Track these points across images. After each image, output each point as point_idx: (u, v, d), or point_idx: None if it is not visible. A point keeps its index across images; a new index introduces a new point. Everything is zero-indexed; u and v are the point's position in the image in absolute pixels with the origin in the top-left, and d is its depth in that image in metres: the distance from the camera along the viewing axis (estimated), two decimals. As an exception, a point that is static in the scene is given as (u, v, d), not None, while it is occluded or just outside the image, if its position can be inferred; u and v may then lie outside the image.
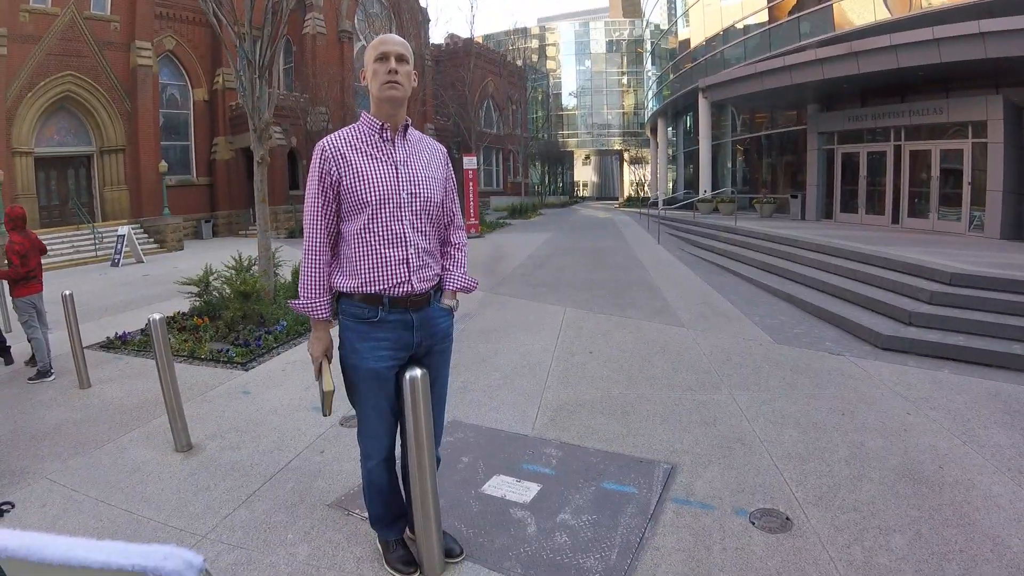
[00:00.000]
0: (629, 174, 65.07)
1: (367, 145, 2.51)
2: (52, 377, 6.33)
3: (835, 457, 3.96)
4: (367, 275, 2.49)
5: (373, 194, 2.45)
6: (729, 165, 27.49)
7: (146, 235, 22.80)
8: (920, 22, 14.41)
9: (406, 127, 2.58)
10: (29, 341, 6.50)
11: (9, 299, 6.73)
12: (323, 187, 2.49)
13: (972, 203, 14.23)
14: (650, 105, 43.08)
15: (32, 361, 6.63)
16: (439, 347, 2.72)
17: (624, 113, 68.12)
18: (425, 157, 2.63)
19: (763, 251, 12.63)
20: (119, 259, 18.42)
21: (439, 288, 2.71)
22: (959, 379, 5.54)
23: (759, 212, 20.85)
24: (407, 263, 2.51)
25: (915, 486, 3.53)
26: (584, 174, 73.83)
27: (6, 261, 6.50)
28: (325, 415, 2.68)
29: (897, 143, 16.25)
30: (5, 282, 6.90)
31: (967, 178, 14.29)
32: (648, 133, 46.13)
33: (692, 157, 30.57)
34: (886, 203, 16.67)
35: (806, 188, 19.46)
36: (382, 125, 2.51)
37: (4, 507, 3.57)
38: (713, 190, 24.86)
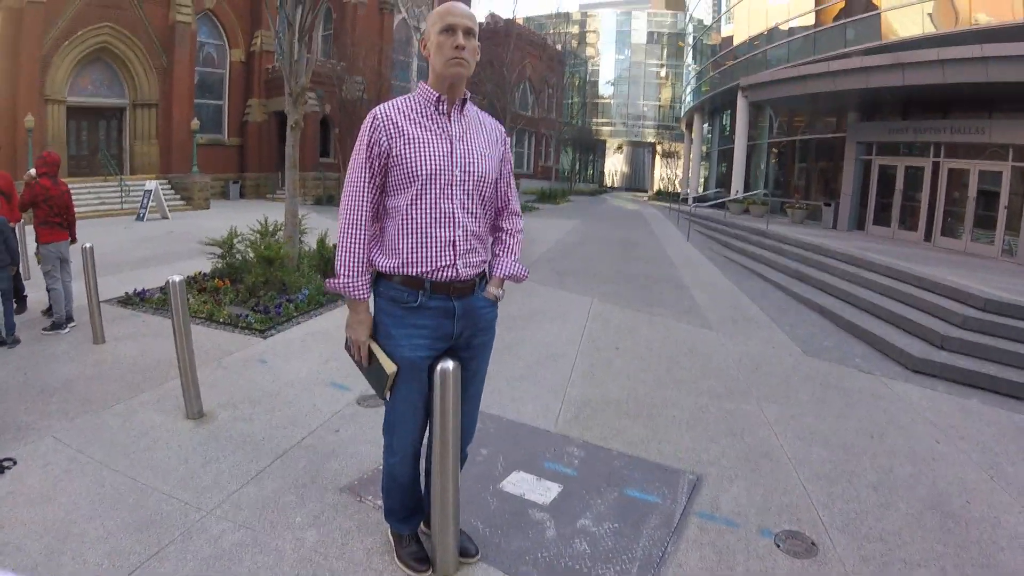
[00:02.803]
0: (660, 167, 64.51)
1: (422, 117, 2.33)
2: (67, 329, 6.28)
3: (863, 482, 3.80)
4: (409, 255, 2.32)
5: (424, 167, 2.27)
6: (763, 167, 27.00)
7: (173, 191, 22.85)
8: (968, 38, 14.07)
9: (464, 101, 2.40)
10: (48, 291, 6.43)
11: (32, 248, 6.66)
12: (371, 155, 2.30)
13: (1006, 228, 13.92)
14: (687, 100, 42.47)
15: (49, 311, 6.57)
16: (480, 339, 2.55)
17: (660, 106, 67.29)
18: (483, 134, 2.45)
19: (794, 258, 12.35)
20: (144, 213, 18.46)
21: (484, 277, 2.53)
22: (989, 410, 5.35)
23: (790, 217, 20.49)
24: (454, 245, 2.33)
25: (941, 519, 3.39)
26: (615, 164, 73.15)
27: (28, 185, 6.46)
28: (384, 398, 2.49)
29: (936, 159, 15.92)
30: (29, 229, 6.84)
31: (1003, 202, 13.98)
32: (683, 128, 45.49)
33: (726, 156, 30.14)
34: (920, 219, 16.34)
35: (840, 197, 19.13)
36: (439, 97, 2.33)
37: (5, 463, 3.49)
38: (745, 191, 24.47)
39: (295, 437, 4.04)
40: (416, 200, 2.30)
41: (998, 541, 3.20)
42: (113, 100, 23.60)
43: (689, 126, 39.68)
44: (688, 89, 42.78)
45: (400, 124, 2.30)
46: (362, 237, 2.35)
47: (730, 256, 14.34)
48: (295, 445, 3.92)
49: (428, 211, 2.30)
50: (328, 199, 25.68)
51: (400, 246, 2.33)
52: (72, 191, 6.95)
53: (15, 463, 3.52)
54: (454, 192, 2.32)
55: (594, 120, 67.06)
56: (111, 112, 23.84)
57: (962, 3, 15.75)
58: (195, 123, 23.99)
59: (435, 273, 2.33)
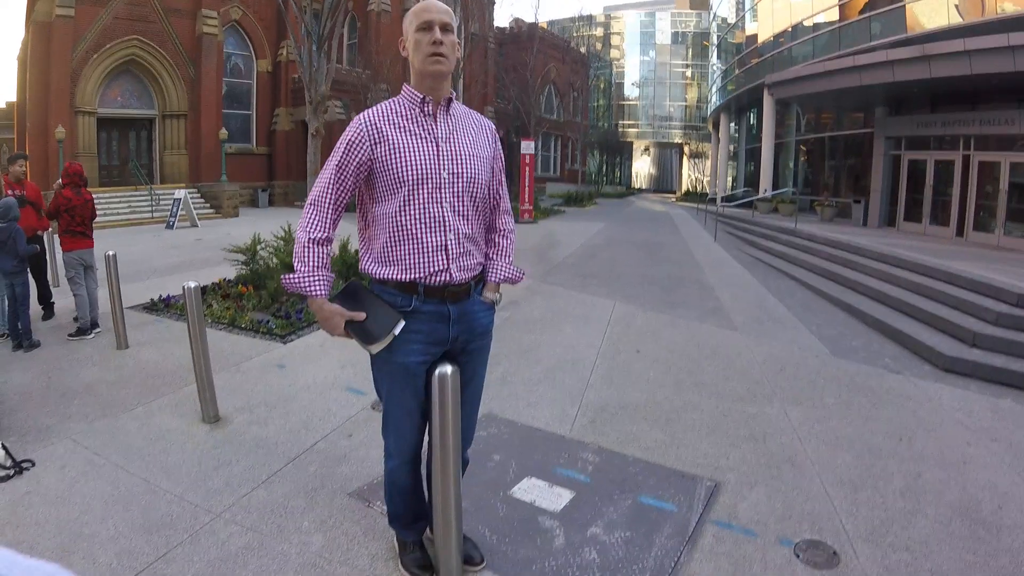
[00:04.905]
0: (688, 168, 64.12)
1: (407, 120, 2.27)
2: (92, 335, 6.40)
3: (890, 488, 3.64)
4: (402, 262, 2.26)
5: (410, 171, 2.21)
6: (791, 165, 26.63)
7: (203, 200, 23.19)
8: (995, 28, 13.72)
9: (449, 100, 2.33)
10: (74, 297, 6.56)
11: (59, 254, 6.81)
12: (347, 159, 2.24)
13: (1040, 220, 13.61)
14: (713, 99, 42.08)
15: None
16: (477, 344, 2.48)
17: (686, 106, 66.93)
18: (471, 134, 2.37)
19: (823, 256, 12.11)
20: (174, 222, 18.74)
21: (481, 278, 2.47)
22: (1023, 409, 5.14)
23: (819, 215, 20.17)
24: (446, 250, 2.27)
25: (971, 527, 3.22)
26: (642, 166, 72.90)
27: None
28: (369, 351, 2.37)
29: (966, 152, 15.61)
30: (56, 237, 6.99)
31: (1036, 193, 13.64)
32: (710, 128, 45.11)
33: (754, 155, 29.79)
34: (951, 214, 16.04)
35: (869, 194, 18.83)
36: (423, 98, 2.27)
37: (24, 464, 3.57)
38: (774, 190, 24.16)
39: (308, 441, 4.03)
40: (404, 205, 2.24)
41: (1032, 548, 3.02)
42: (142, 111, 24.09)
43: (716, 126, 39.32)
44: (714, 88, 42.40)
45: (383, 129, 2.24)
46: (321, 234, 2.28)
47: (757, 256, 14.12)
48: (307, 449, 3.92)
49: (417, 216, 2.24)
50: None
51: (391, 253, 2.28)
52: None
53: (33, 464, 3.60)
54: (443, 195, 2.25)
55: (620, 122, 66.89)
56: (141, 123, 24.32)
57: (987, -9, 15.44)
58: (223, 133, 24.33)
59: (428, 278, 2.27)
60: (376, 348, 2.30)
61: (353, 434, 4.16)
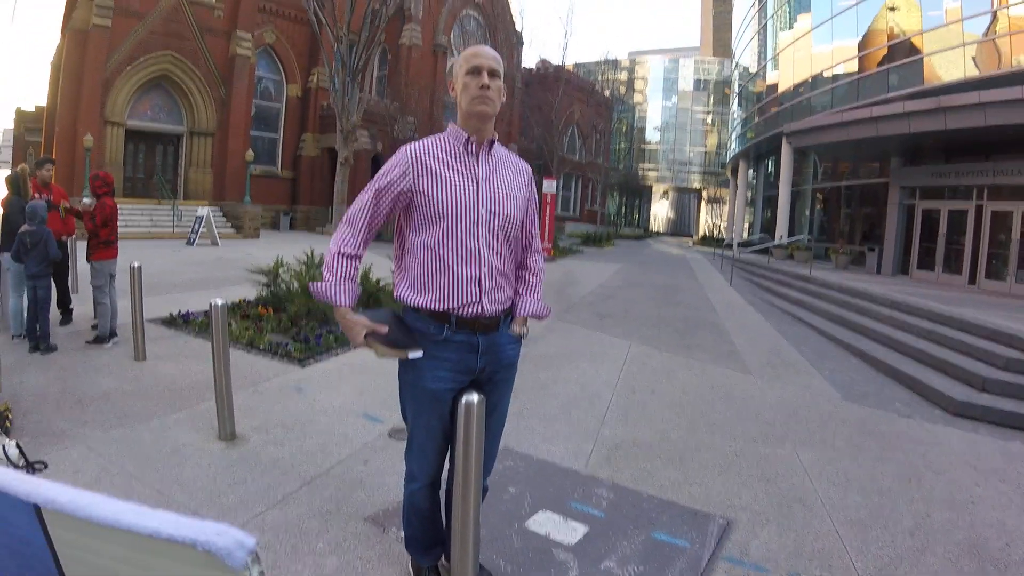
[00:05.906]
0: (706, 213, 64.42)
1: (450, 157, 2.37)
2: (110, 344, 6.49)
3: (899, 527, 3.68)
4: (438, 292, 2.33)
5: (451, 206, 2.31)
6: (807, 212, 26.76)
7: (224, 219, 23.45)
8: (1010, 80, 13.94)
9: (492, 142, 2.44)
10: (95, 305, 6.64)
11: (82, 261, 6.87)
12: (388, 187, 2.34)
13: (1053, 269, 13.72)
14: (733, 146, 42.43)
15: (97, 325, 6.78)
16: (503, 375, 2.54)
17: (706, 152, 67.52)
18: (509, 174, 2.48)
19: (836, 303, 12.13)
20: (195, 238, 18.96)
21: (510, 313, 2.54)
22: None
23: (834, 263, 20.23)
24: (479, 283, 2.34)
25: (980, 564, 3.27)
26: (660, 209, 73.42)
27: (89, 211, 6.60)
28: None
29: (979, 202, 15.83)
30: (80, 243, 7.04)
31: (1049, 242, 13.76)
32: (728, 174, 45.41)
33: (771, 201, 29.93)
34: (964, 263, 16.20)
35: (883, 242, 18.96)
36: (468, 138, 2.38)
37: (37, 465, 3.60)
38: (789, 236, 24.23)
39: (324, 465, 4.05)
40: (443, 238, 2.32)
41: (1039, 584, 3.05)
42: (171, 126, 24.48)
43: (734, 172, 39.60)
44: (733, 135, 42.77)
45: (427, 163, 2.34)
46: (351, 250, 2.35)
47: (772, 301, 14.12)
48: (323, 473, 3.94)
49: (454, 249, 2.32)
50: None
51: (427, 282, 2.35)
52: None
53: (46, 466, 3.63)
54: (480, 231, 2.34)
55: (641, 165, 67.50)
56: (168, 138, 24.70)
57: (1004, 45, 15.78)
58: (250, 154, 24.69)
59: (461, 309, 2.34)
60: (387, 355, 2.30)
61: (369, 460, 4.17)
